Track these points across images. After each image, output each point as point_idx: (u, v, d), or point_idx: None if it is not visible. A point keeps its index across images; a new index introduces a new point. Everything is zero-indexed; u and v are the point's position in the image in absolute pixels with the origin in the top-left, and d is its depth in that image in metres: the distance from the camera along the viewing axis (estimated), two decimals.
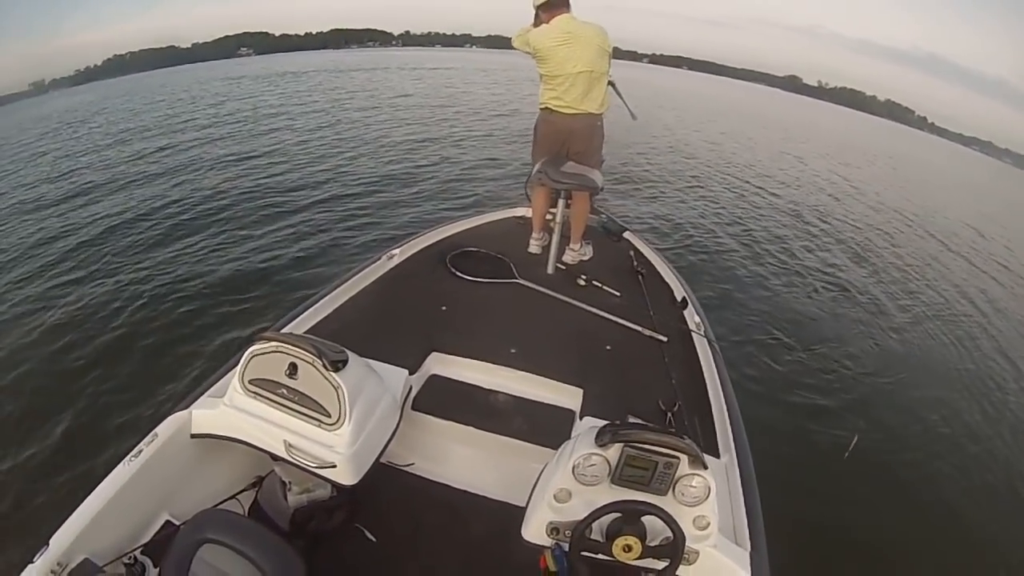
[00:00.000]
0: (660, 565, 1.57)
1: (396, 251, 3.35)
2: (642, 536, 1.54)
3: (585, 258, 3.76)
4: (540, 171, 3.44)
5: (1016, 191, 34.16)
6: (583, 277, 3.44)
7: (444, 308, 2.95)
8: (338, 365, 1.76)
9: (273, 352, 1.78)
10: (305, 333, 2.42)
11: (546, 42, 3.35)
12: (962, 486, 4.08)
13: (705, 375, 2.74)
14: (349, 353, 1.83)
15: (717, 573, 1.67)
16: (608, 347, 2.86)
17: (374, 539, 2.05)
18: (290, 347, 1.76)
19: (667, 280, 3.64)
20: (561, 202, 3.48)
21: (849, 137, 36.90)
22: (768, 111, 42.35)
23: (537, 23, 3.48)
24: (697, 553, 1.62)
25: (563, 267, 3.59)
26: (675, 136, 17.85)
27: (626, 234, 3.98)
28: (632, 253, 3.83)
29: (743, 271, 7.30)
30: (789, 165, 17.44)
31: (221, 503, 2.00)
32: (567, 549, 1.59)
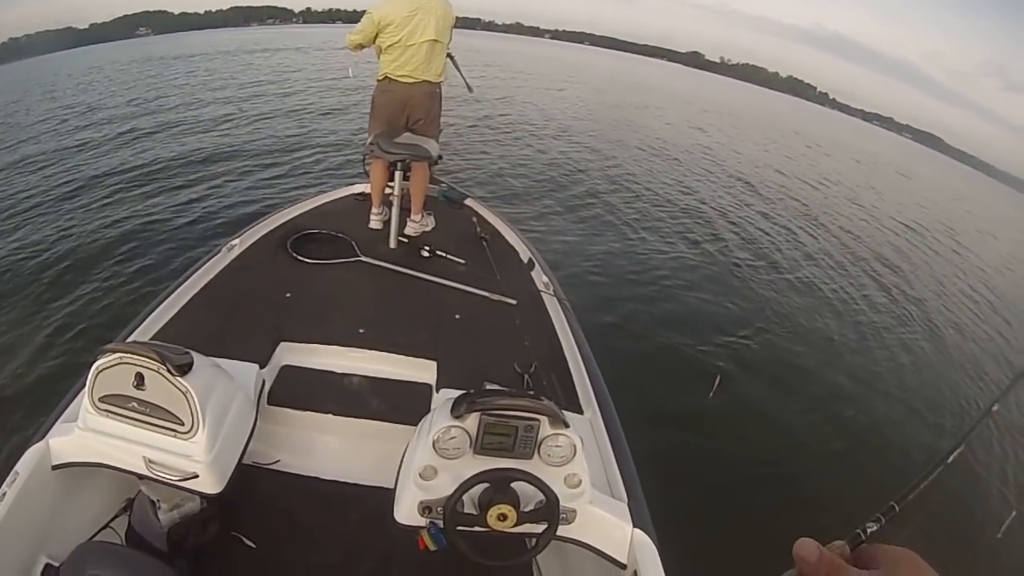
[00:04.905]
0: (539, 529, 1.59)
1: (236, 241, 3.23)
2: (515, 503, 1.54)
3: (427, 229, 3.77)
4: (373, 143, 3.44)
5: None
6: (427, 248, 3.44)
7: (289, 295, 2.87)
8: (183, 369, 1.68)
9: (118, 364, 1.67)
10: (150, 339, 2.31)
11: (398, 13, 3.43)
12: (818, 413, 4.44)
13: (558, 334, 2.81)
14: (194, 354, 1.75)
15: (599, 528, 1.70)
16: (458, 316, 2.87)
17: (253, 545, 2.01)
18: (133, 356, 1.66)
19: (512, 243, 3.70)
20: (398, 174, 3.45)
21: (732, 106, 38.63)
22: (640, 80, 43.37)
23: None
24: (575, 511, 1.64)
25: (405, 240, 3.58)
26: (520, 104, 18.06)
27: (468, 201, 4.00)
28: (475, 220, 3.85)
29: (588, 227, 7.54)
30: (639, 125, 18.22)
31: (96, 534, 1.94)
32: (443, 526, 1.58)
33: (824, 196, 14.03)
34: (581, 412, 2.28)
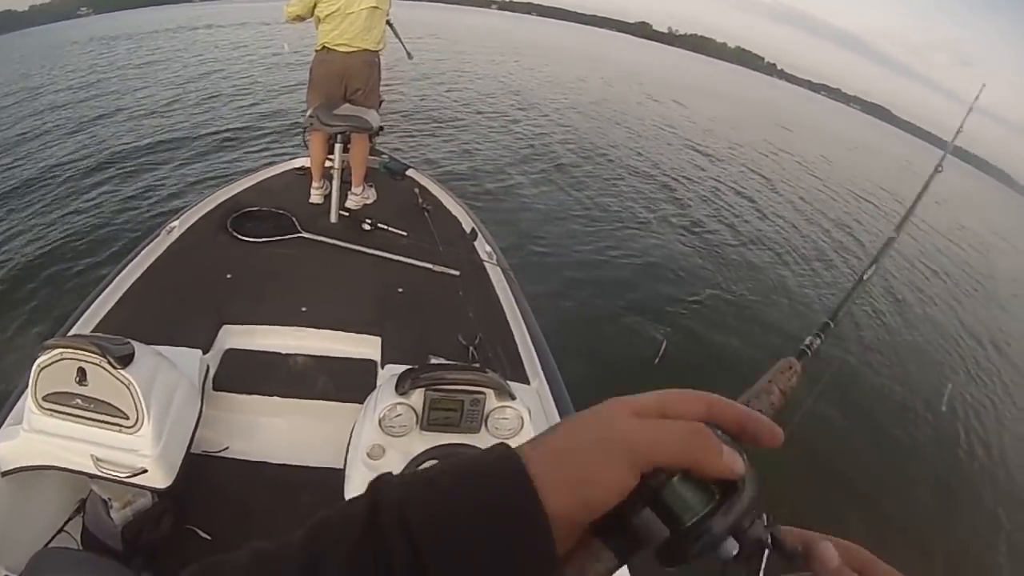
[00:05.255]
0: None
1: (175, 223, 3.13)
2: None
3: (369, 201, 3.73)
4: (312, 116, 3.41)
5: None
6: (368, 221, 3.39)
7: (230, 276, 2.80)
8: (125, 360, 1.64)
9: (59, 360, 1.63)
10: (92, 332, 2.25)
11: None
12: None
13: (503, 304, 2.83)
14: (135, 344, 1.70)
15: None
16: (401, 290, 2.86)
17: (208, 537, 1.97)
18: (73, 351, 1.62)
19: (454, 213, 3.68)
20: (338, 147, 3.41)
21: (680, 77, 39.00)
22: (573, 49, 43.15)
23: None
24: None
25: (347, 214, 3.53)
26: (463, 74, 17.85)
27: (409, 172, 3.96)
28: (417, 191, 3.82)
29: (534, 196, 7.58)
30: (586, 95, 18.24)
31: (52, 539, 1.89)
32: None
33: (768, 161, 14.46)
34: (528, 382, 2.30)
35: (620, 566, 0.35)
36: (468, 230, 3.46)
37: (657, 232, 7.27)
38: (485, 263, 3.13)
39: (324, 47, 3.61)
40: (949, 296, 8.75)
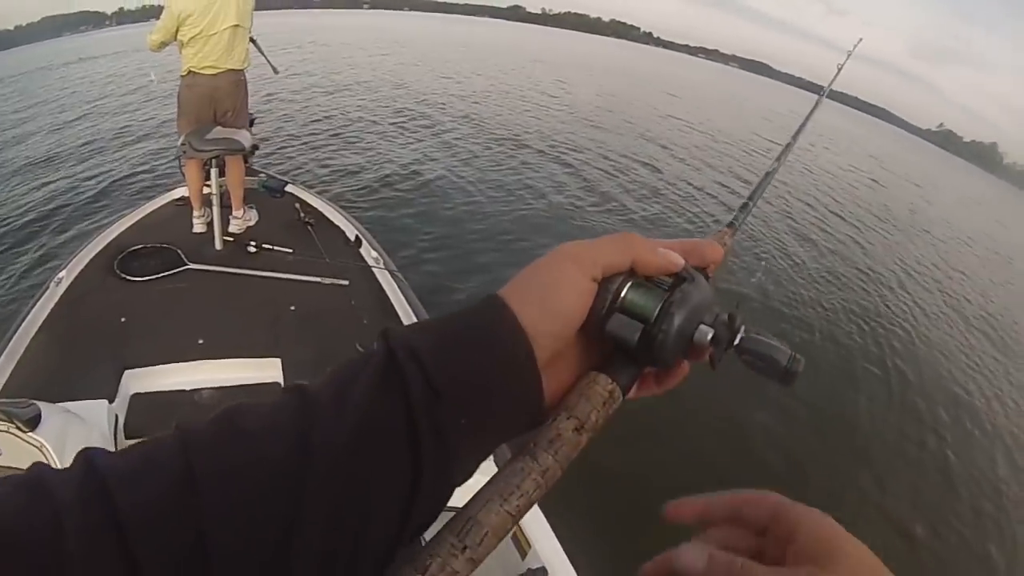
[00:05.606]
0: None
1: (62, 273, 3.06)
2: None
3: (251, 223, 3.73)
4: (185, 143, 3.38)
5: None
6: (253, 243, 3.39)
7: (124, 320, 2.77)
8: (32, 423, 1.62)
9: None
10: None
11: (198, 3, 3.39)
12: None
13: (395, 306, 2.91)
14: (40, 404, 1.69)
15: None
16: (293, 307, 2.89)
17: None
18: None
19: (337, 223, 3.73)
20: (214, 171, 3.39)
21: (560, 53, 39.62)
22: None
23: None
24: None
25: (231, 238, 3.51)
26: (340, 79, 17.06)
27: (288, 188, 3.99)
28: (297, 206, 3.85)
29: (422, 197, 7.46)
30: (466, 86, 18.19)
31: None
32: None
33: (659, 127, 15.07)
34: None
35: (619, 392, 0.39)
36: (352, 238, 3.52)
37: (564, 215, 7.42)
38: (373, 268, 3.19)
39: (190, 71, 3.58)
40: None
